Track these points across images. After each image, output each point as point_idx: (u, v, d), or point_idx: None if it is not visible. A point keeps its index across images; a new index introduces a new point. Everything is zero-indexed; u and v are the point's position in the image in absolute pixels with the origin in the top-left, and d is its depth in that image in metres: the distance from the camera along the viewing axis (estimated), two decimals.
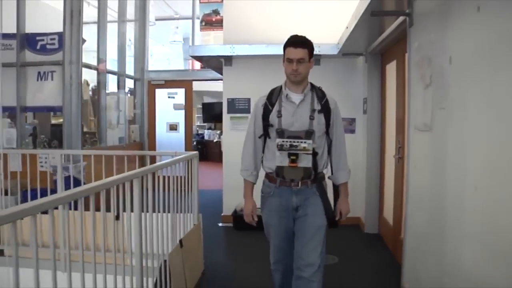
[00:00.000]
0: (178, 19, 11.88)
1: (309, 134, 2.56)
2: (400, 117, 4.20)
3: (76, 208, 2.26)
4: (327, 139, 2.71)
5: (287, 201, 2.66)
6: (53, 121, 7.79)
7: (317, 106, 2.63)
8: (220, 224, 5.81)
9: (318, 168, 2.64)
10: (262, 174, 2.83)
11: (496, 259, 1.97)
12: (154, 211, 3.01)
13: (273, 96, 2.70)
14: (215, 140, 14.57)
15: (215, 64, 6.57)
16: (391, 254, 4.53)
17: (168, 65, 12.59)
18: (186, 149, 9.01)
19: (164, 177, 3.33)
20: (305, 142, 2.54)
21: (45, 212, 1.74)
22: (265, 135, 2.71)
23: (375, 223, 5.31)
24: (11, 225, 1.53)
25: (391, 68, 4.71)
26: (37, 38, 6.67)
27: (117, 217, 2.66)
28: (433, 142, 2.86)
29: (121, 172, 2.79)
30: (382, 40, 4.49)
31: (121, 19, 8.63)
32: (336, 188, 2.83)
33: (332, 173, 2.80)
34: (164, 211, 3.18)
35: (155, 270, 2.95)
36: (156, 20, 10.20)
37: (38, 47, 6.64)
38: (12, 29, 6.69)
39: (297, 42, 2.55)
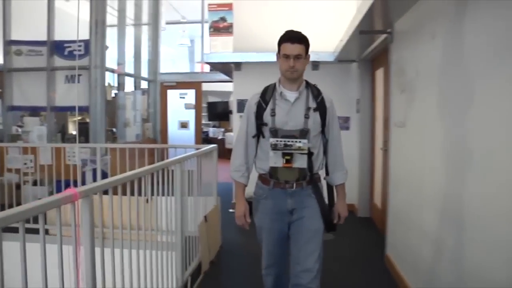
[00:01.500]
0: (185, 23, 12.61)
1: (304, 133, 2.46)
2: (386, 115, 4.97)
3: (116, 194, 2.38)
4: (322, 139, 2.61)
5: (282, 204, 2.55)
6: (70, 119, 8.59)
7: (313, 104, 2.53)
8: (230, 210, 6.57)
9: (313, 168, 2.54)
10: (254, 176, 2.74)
11: (447, 219, 2.75)
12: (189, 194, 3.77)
13: (267, 94, 2.58)
14: (219, 138, 15.25)
15: (225, 68, 7.38)
16: (380, 232, 5.29)
17: (173, 65, 13.27)
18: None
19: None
20: (300, 142, 2.44)
21: (106, 193, 2.10)
22: (259, 134, 2.59)
23: (367, 207, 6.09)
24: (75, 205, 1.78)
25: (379, 74, 5.48)
26: (65, 45, 7.43)
27: (147, 201, 3.00)
28: (405, 136, 3.64)
29: (142, 165, 3.05)
30: (371, 50, 5.25)
31: (137, 23, 9.40)
32: (330, 189, 2.73)
33: (327, 174, 2.70)
34: (189, 195, 3.93)
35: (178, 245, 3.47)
36: (166, 24, 10.96)
37: (66, 53, 7.39)
38: (39, 37, 7.48)
39: (294, 37, 2.44)
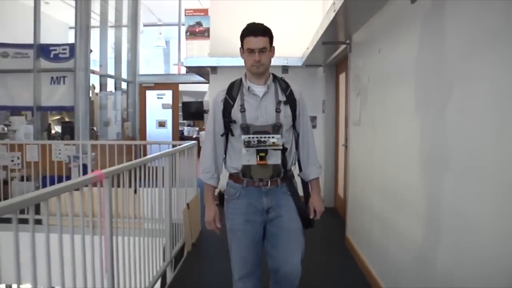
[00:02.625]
0: (161, 25, 13.10)
1: (277, 128, 2.38)
2: (347, 115, 5.59)
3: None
4: (294, 133, 2.53)
5: (257, 203, 2.44)
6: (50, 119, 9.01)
7: (282, 98, 2.44)
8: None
9: (287, 165, 2.46)
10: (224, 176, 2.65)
11: (389, 200, 3.38)
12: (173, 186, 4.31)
13: (233, 90, 2.47)
14: (194, 136, 15.76)
15: (202, 71, 7.95)
16: (342, 220, 5.90)
17: (148, 66, 13.72)
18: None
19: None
20: (273, 137, 2.35)
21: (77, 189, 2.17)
22: (227, 133, 2.47)
23: (331, 198, 6.75)
24: (56, 199, 1.94)
25: (342, 78, 6.12)
26: (51, 48, 7.87)
27: (135, 191, 3.40)
28: (360, 132, 4.27)
29: (123, 162, 3.38)
30: (335, 56, 5.87)
31: (117, 25, 9.87)
32: (305, 185, 2.64)
33: (300, 170, 2.61)
34: (173, 186, 4.47)
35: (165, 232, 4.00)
36: (144, 26, 11.43)
37: (51, 55, 7.82)
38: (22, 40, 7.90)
39: (257, 30, 2.36)
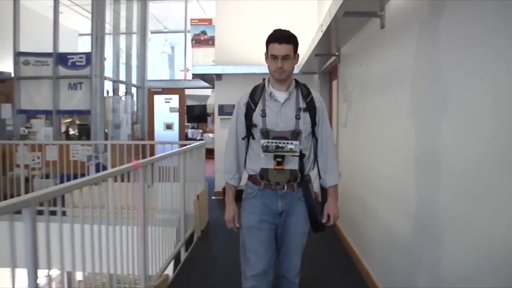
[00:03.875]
0: (167, 32, 13.80)
1: (295, 134, 2.40)
2: (337, 118, 6.27)
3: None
4: (313, 140, 2.55)
5: (272, 205, 2.49)
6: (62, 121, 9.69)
7: (303, 105, 2.45)
8: (213, 197, 7.83)
9: (304, 170, 2.48)
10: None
11: (369, 188, 4.05)
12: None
13: (256, 94, 2.51)
14: (198, 138, 16.40)
15: (207, 77, 8.65)
16: None
17: (152, 70, 14.35)
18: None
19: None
20: (291, 144, 2.37)
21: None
22: (249, 135, 2.52)
23: (324, 192, 7.39)
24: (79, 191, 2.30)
25: (334, 84, 6.78)
26: (68, 56, 8.54)
27: (148, 186, 4.00)
28: (347, 133, 4.95)
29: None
30: (328, 65, 6.55)
31: (128, 32, 10.56)
32: (323, 191, 2.63)
33: (319, 176, 2.62)
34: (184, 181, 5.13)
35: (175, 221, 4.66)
36: (151, 33, 12.11)
37: (69, 63, 8.49)
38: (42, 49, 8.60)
39: (282, 37, 2.37)
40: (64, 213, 2.31)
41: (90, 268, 2.53)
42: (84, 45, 12.11)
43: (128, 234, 3.01)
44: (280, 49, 2.34)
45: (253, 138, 2.49)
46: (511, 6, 1.65)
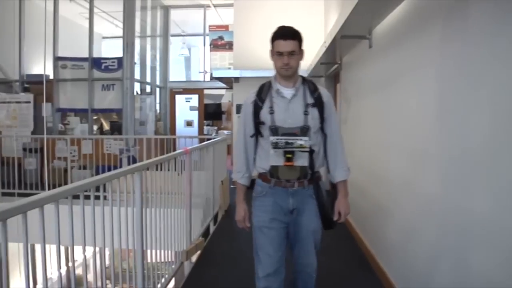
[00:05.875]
0: (186, 35, 14.79)
1: (304, 130, 2.38)
2: (340, 116, 7.25)
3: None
4: (322, 135, 2.51)
5: (283, 203, 2.46)
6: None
7: (310, 100, 2.43)
8: (231, 186, 8.84)
9: (314, 166, 2.45)
10: None
11: (374, 179, 5.04)
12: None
13: (263, 92, 2.50)
14: (213, 135, 17.38)
15: (225, 80, 9.68)
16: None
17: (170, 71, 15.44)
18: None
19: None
20: (301, 139, 2.35)
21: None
22: (257, 133, 2.50)
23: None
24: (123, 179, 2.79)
25: (338, 87, 7.75)
26: (102, 61, 9.61)
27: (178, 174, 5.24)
28: (348, 129, 5.94)
29: (157, 155, 5.05)
30: (333, 70, 7.51)
31: (153, 35, 11.61)
32: (333, 186, 2.59)
33: (329, 172, 2.59)
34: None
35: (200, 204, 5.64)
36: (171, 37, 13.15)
37: (102, 67, 9.55)
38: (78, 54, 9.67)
39: (287, 34, 2.37)
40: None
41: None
42: (107, 48, 13.33)
43: (177, 215, 4.02)
44: (286, 45, 2.35)
45: (262, 136, 2.49)
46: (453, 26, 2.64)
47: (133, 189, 2.96)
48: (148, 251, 3.34)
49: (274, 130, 2.39)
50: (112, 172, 2.69)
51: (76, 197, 2.14)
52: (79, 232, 2.20)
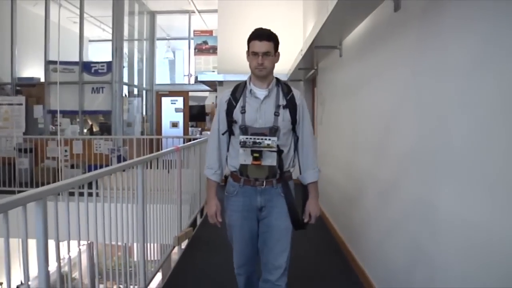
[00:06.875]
0: (171, 39, 15.17)
1: (273, 130, 2.41)
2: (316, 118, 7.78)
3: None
4: (293, 136, 2.56)
5: (251, 201, 2.52)
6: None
7: (283, 102, 2.46)
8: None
9: (283, 166, 2.49)
10: None
11: (339, 169, 5.57)
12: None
13: (238, 91, 2.54)
14: (197, 135, 17.77)
15: (209, 83, 10.19)
16: None
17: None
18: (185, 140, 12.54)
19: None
20: (269, 139, 2.38)
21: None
22: (230, 132, 2.54)
23: None
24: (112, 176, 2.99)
25: (316, 91, 8.30)
26: (91, 64, 10.03)
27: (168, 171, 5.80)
28: (323, 129, 6.48)
29: (145, 154, 5.43)
30: (310, 74, 8.05)
31: (139, 39, 12.01)
32: (304, 188, 2.63)
33: (300, 173, 2.61)
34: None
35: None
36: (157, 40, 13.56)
37: (92, 71, 9.96)
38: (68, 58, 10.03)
39: (262, 35, 2.42)
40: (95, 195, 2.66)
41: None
42: (94, 51, 13.76)
43: (169, 209, 4.47)
44: (261, 46, 2.40)
45: (233, 134, 2.53)
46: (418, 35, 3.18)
47: (134, 184, 3.32)
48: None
49: (244, 130, 2.43)
50: (114, 166, 2.97)
51: (72, 194, 2.32)
52: (75, 227, 2.34)
